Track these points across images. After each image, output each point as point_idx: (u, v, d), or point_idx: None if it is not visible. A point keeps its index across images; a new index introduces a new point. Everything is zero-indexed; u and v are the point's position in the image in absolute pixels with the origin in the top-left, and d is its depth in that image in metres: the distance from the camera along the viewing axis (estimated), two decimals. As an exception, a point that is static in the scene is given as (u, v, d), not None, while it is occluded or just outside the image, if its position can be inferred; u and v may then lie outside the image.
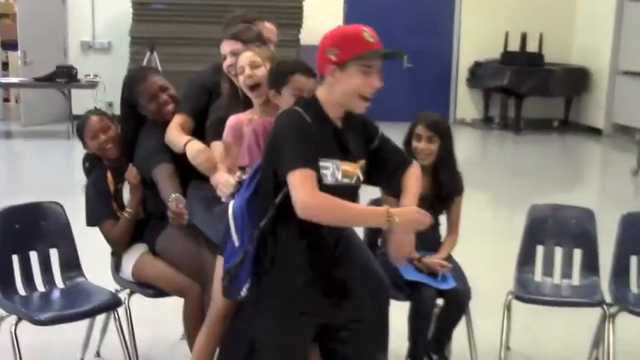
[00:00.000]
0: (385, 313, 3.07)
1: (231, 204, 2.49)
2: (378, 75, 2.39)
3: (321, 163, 2.34)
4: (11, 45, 11.43)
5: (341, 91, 2.39)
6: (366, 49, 2.35)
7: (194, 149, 2.99)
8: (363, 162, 2.49)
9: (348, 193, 2.41)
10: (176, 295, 3.17)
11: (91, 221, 3.34)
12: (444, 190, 3.36)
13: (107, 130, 3.34)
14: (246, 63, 2.90)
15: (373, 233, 3.52)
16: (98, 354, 3.60)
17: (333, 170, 2.36)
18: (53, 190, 6.12)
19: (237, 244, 2.43)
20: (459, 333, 3.38)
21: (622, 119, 10.86)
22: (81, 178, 3.49)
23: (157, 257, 3.22)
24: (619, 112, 10.97)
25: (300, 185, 2.26)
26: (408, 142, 3.37)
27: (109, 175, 3.34)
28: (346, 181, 2.41)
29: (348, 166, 2.42)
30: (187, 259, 3.09)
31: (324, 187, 2.31)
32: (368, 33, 2.37)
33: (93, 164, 3.43)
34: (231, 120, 2.93)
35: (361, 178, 2.48)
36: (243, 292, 2.42)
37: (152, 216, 3.27)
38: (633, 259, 3.49)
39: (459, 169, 3.43)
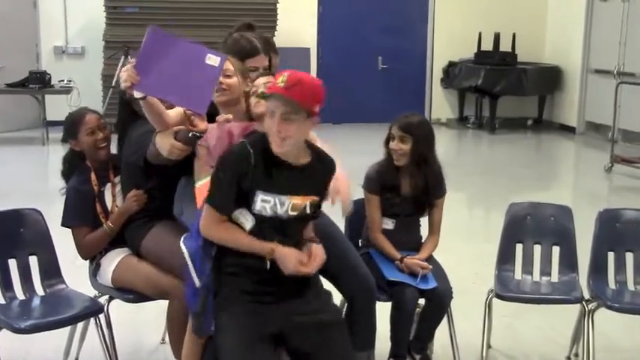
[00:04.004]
0: (371, 311, 3.08)
1: (184, 247, 2.60)
2: (283, 121, 2.37)
3: (262, 196, 2.43)
4: (-18, 51, 11.29)
5: None
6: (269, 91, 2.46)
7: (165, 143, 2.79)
8: (315, 198, 2.56)
9: (292, 224, 2.51)
10: (160, 297, 3.10)
11: (66, 223, 3.28)
12: (429, 189, 3.37)
13: (104, 129, 3.32)
14: None
15: (354, 234, 3.53)
16: (77, 360, 3.58)
17: (275, 204, 2.44)
18: (29, 197, 6.08)
19: (197, 284, 2.55)
20: (441, 332, 3.40)
21: (594, 117, 10.96)
22: (57, 184, 3.43)
23: (140, 260, 3.16)
24: (591, 110, 11.08)
25: (204, 216, 2.49)
26: (387, 142, 3.40)
27: (93, 176, 3.30)
28: (294, 214, 2.49)
29: (298, 200, 2.49)
30: (175, 257, 3.01)
31: (262, 218, 2.45)
32: (283, 78, 2.38)
33: (74, 165, 3.37)
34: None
35: (308, 210, 2.54)
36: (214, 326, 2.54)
37: (134, 217, 3.19)
38: (610, 256, 3.54)
39: (441, 172, 3.43)
